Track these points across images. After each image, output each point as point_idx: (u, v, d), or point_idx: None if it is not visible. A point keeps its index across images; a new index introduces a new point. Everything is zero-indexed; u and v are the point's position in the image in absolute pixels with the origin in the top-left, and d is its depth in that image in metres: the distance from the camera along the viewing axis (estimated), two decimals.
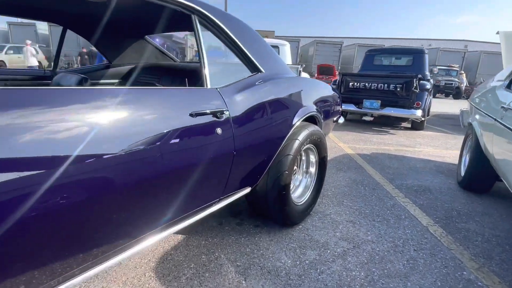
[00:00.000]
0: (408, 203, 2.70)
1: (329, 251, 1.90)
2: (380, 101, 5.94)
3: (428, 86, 5.94)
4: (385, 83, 5.87)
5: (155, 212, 1.22)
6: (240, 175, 1.65)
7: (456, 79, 17.65)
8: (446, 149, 4.91)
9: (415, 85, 5.59)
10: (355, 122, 7.05)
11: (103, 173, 0.95)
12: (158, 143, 1.10)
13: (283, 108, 1.85)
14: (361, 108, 6.08)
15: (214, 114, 1.36)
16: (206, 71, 1.43)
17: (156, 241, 1.31)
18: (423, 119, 5.95)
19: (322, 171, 2.34)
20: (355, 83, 6.17)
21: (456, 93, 17.90)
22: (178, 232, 2.01)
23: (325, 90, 2.48)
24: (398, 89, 5.76)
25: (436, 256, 1.91)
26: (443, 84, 17.37)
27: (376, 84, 5.96)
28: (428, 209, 2.59)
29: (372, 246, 1.98)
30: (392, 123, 7.16)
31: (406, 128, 6.58)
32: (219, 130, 1.37)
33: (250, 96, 1.61)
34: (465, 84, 18.57)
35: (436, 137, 5.87)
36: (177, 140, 1.18)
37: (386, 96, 5.91)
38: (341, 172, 3.45)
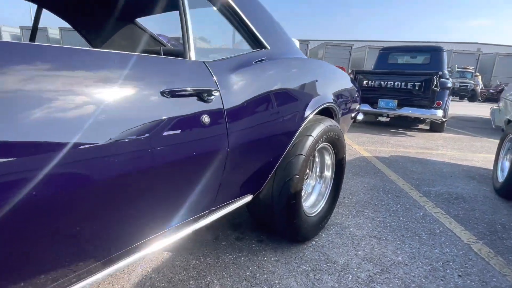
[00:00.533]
0: (440, 214, 2.28)
1: (351, 276, 1.50)
2: (397, 101, 5.51)
3: (449, 84, 5.49)
4: (402, 81, 5.44)
5: (118, 230, 0.86)
6: (238, 179, 1.28)
7: (472, 81, 17.00)
8: (472, 152, 4.44)
9: (435, 83, 5.15)
10: (370, 123, 6.62)
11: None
12: (108, 137, 0.74)
13: (292, 96, 1.47)
14: (376, 108, 5.66)
15: (199, 94, 0.99)
16: (190, 39, 1.06)
17: (127, 263, 0.95)
18: (443, 120, 5.49)
19: (339, 175, 1.95)
20: (370, 82, 5.75)
21: (471, 96, 17.24)
22: (163, 249, 1.64)
23: (344, 79, 2.09)
24: (417, 88, 5.33)
25: (488, 284, 1.50)
26: (458, 86, 16.73)
27: (392, 82, 5.54)
28: (466, 222, 2.17)
29: (405, 269, 1.58)
30: (409, 124, 6.70)
31: (424, 130, 6.12)
32: (206, 118, 1.00)
33: (250, 76, 1.24)
34: (480, 87, 17.90)
35: (459, 139, 5.40)
36: (139, 131, 0.81)
37: (404, 95, 5.48)
38: (358, 176, 3.04)
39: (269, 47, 1.43)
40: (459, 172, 3.41)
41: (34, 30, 2.06)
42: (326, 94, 1.72)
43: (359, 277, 1.49)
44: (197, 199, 1.12)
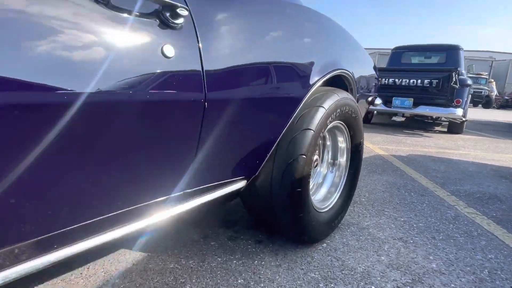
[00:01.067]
0: (476, 214, 1.91)
1: (373, 287, 1.15)
2: (412, 99, 5.14)
3: (469, 81, 5.11)
4: (418, 79, 5.08)
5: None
6: (222, 153, 0.96)
7: (486, 87, 16.45)
8: (498, 153, 4.04)
9: (454, 79, 4.79)
10: (383, 124, 6.24)
11: None
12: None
13: (295, 52, 1.16)
14: (390, 107, 5.30)
15: (157, 13, 0.69)
16: None
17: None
18: (463, 119, 5.10)
19: (356, 163, 1.61)
20: (383, 79, 5.40)
21: (486, 102, 16.66)
22: (134, 248, 1.32)
23: (361, 49, 1.77)
24: (434, 85, 4.96)
25: None
26: (472, 92, 16.18)
27: (407, 80, 5.18)
28: (507, 224, 1.80)
29: (443, 280, 1.22)
30: (425, 126, 6.31)
31: (441, 132, 5.72)
32: (167, 49, 0.69)
33: (239, 5, 0.93)
34: (495, 93, 17.32)
35: (480, 140, 4.99)
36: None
37: (420, 93, 5.11)
38: (375, 174, 2.69)
39: None
40: (488, 171, 3.02)
41: None
42: (339, 59, 1.40)
43: None
44: (161, 175, 0.80)
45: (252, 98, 0.97)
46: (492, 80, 18.12)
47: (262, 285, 1.13)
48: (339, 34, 1.52)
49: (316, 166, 1.48)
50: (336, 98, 1.30)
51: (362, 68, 1.74)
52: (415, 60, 6.82)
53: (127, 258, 1.26)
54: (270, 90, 1.03)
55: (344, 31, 1.59)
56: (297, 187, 1.17)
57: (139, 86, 0.66)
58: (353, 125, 1.51)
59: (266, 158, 1.17)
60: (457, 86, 4.81)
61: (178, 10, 0.69)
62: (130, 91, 0.64)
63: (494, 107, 17.16)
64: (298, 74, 1.16)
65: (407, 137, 4.89)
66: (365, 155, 3.43)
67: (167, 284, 1.11)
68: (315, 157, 1.44)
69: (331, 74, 1.32)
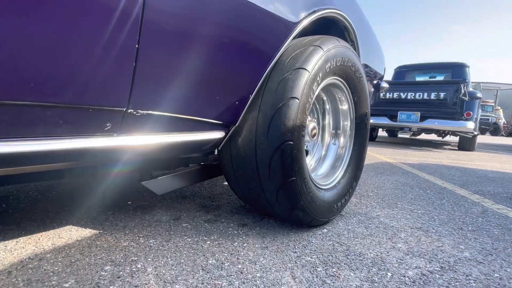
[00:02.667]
0: (507, 210, 1.61)
1: (389, 274, 0.86)
2: (419, 113, 4.92)
3: (479, 94, 4.90)
4: (425, 92, 4.89)
5: None
6: (180, 72, 0.72)
7: (493, 115, 16.21)
8: None
9: (463, 91, 4.58)
10: (388, 142, 5.96)
11: None
12: None
13: None
14: (396, 122, 5.06)
15: None
16: None
17: None
18: (475, 133, 4.82)
19: (362, 137, 1.35)
20: (388, 93, 5.22)
21: (494, 130, 16.34)
22: (81, 223, 1.05)
23: (365, 19, 1.57)
24: (442, 97, 4.75)
25: None
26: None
27: (413, 93, 4.99)
28: None
29: (482, 269, 0.92)
30: (433, 145, 6.02)
31: (451, 149, 5.42)
32: None
33: None
34: (503, 121, 17.05)
35: (495, 156, 4.68)
36: None
37: (427, 106, 4.90)
38: (383, 175, 2.40)
39: None
40: (509, 178, 2.71)
41: None
42: (336, 0, 1.20)
43: (404, 276, 0.85)
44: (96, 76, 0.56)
45: (218, 16, 0.74)
46: (499, 108, 17.91)
47: (239, 266, 0.84)
48: None
49: (314, 136, 1.23)
50: (336, 43, 1.08)
51: (366, 36, 1.54)
52: (420, 79, 6.69)
53: (71, 234, 0.99)
54: (243, 10, 0.81)
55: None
56: (287, 138, 0.91)
57: None
58: (357, 89, 1.27)
59: (248, 103, 0.93)
60: (466, 98, 4.60)
61: None
62: None
63: (503, 135, 16.82)
64: (281, 0, 0.95)
65: (415, 151, 4.61)
66: (371, 161, 3.16)
67: (112, 261, 0.83)
68: (313, 124, 1.20)
69: (324, 12, 1.10)
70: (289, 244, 1.01)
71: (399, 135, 5.31)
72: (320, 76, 1.01)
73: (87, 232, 1.01)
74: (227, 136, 0.96)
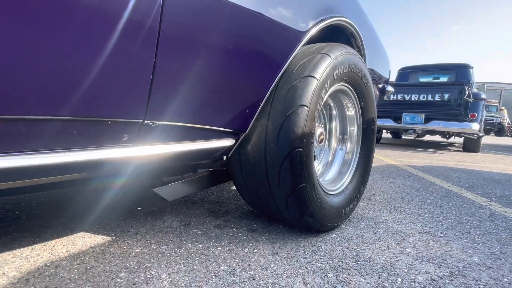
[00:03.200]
0: None
1: (399, 279, 0.87)
2: (423, 115, 4.91)
3: (483, 95, 4.89)
4: (429, 93, 4.89)
5: None
6: (192, 89, 0.74)
7: (497, 115, 16.11)
8: None
9: (467, 93, 4.57)
10: (393, 144, 5.95)
11: None
12: None
13: None
14: (400, 124, 5.06)
15: None
16: None
17: None
18: (480, 134, 4.81)
19: (369, 141, 1.37)
20: (392, 95, 5.22)
21: (498, 130, 16.24)
22: (94, 229, 1.06)
23: (369, 23, 1.58)
24: (446, 99, 4.74)
25: None
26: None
27: (417, 95, 4.99)
28: None
29: (490, 273, 0.93)
30: (437, 146, 6.01)
31: (456, 151, 5.41)
32: None
33: None
34: (507, 121, 16.93)
35: (500, 158, 4.66)
36: None
37: (431, 108, 4.89)
38: (389, 178, 2.41)
39: None
40: None
41: None
42: (342, 8, 1.21)
43: (414, 281, 0.86)
44: (110, 90, 0.58)
45: (230, 27, 0.76)
46: (503, 108, 17.81)
47: (251, 272, 0.86)
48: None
49: (322, 141, 1.24)
50: (343, 50, 1.10)
51: (368, 30, 1.55)
52: (423, 80, 6.68)
53: (85, 241, 1.00)
54: (254, 21, 0.83)
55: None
56: (297, 146, 0.93)
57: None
58: (364, 94, 1.28)
59: (258, 111, 0.94)
60: (471, 100, 4.59)
61: None
62: None
63: (507, 135, 16.71)
64: (293, 11, 0.96)
65: (420, 153, 4.60)
66: (376, 164, 3.16)
67: (127, 268, 0.84)
68: (320, 130, 1.21)
69: (332, 20, 1.12)
70: (298, 249, 1.02)
71: (404, 137, 5.29)
72: (328, 83, 1.03)
73: (100, 239, 1.02)
74: (236, 143, 0.98)
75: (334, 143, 1.35)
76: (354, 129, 1.33)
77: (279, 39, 0.93)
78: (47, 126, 0.54)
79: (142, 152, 0.69)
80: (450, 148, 5.95)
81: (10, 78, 0.47)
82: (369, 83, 1.29)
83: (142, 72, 0.61)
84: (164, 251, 0.96)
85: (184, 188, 1.08)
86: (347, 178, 1.28)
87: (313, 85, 0.96)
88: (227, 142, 0.93)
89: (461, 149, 5.50)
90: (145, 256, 0.92)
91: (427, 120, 4.88)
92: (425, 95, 4.91)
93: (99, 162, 0.63)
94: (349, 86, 1.21)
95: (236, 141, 0.96)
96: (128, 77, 0.60)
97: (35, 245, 0.96)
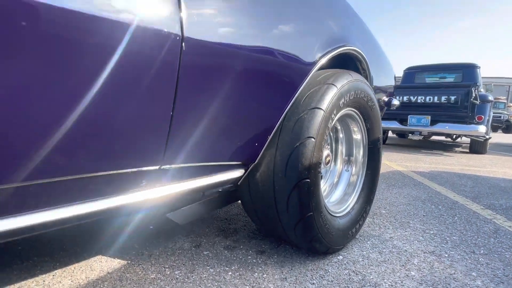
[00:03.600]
0: None
1: None
2: (429, 117, 4.90)
3: (490, 97, 4.86)
4: (435, 95, 4.87)
5: None
6: (207, 127, 0.77)
7: (505, 112, 15.93)
8: None
9: (474, 95, 4.55)
10: (398, 145, 5.95)
11: None
12: None
13: (298, 17, 1.00)
14: (406, 126, 5.05)
15: None
16: None
17: None
18: (487, 137, 4.79)
19: (375, 163, 1.39)
20: (397, 97, 5.21)
21: (506, 127, 16.06)
22: (111, 253, 1.11)
23: (373, 38, 1.61)
24: (453, 101, 4.73)
25: None
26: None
27: (423, 97, 4.97)
28: None
29: None
30: (444, 147, 5.98)
31: (462, 152, 5.38)
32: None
33: None
34: None
35: (507, 160, 4.64)
36: None
37: (437, 110, 4.88)
38: (394, 188, 2.43)
39: None
40: None
41: None
42: (350, 36, 1.24)
43: None
44: (130, 140, 0.62)
45: (246, 61, 0.80)
46: (511, 105, 17.59)
47: None
48: (352, 11, 1.37)
49: (328, 163, 1.27)
50: (349, 78, 1.12)
51: (375, 52, 1.57)
52: (430, 80, 6.63)
53: (102, 265, 1.05)
54: (265, 57, 0.86)
55: (356, 16, 1.44)
56: (305, 176, 0.96)
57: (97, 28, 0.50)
58: (369, 116, 1.31)
59: (267, 142, 0.98)
60: (477, 102, 4.57)
61: None
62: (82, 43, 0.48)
63: None
64: (302, 44, 0.99)
65: (426, 156, 4.59)
66: (382, 171, 3.18)
67: None
68: (327, 152, 1.24)
69: (341, 49, 1.15)
70: (306, 274, 1.05)
71: (410, 137, 5.28)
72: (335, 112, 1.06)
73: (116, 263, 1.07)
74: (246, 173, 1.01)
75: (340, 164, 1.38)
76: (360, 150, 1.36)
77: (289, 72, 0.96)
78: (68, 184, 0.58)
79: (157, 193, 0.73)
80: (456, 149, 5.92)
81: (42, 138, 0.51)
82: (375, 105, 1.31)
83: (161, 124, 0.65)
84: (177, 276, 1.00)
85: (194, 211, 1.12)
86: (353, 199, 1.31)
87: (320, 116, 0.99)
88: (237, 173, 0.96)
89: (468, 150, 5.48)
90: (160, 283, 0.96)
91: (433, 122, 4.87)
92: (431, 97, 4.90)
93: (116, 208, 0.67)
94: (355, 110, 1.24)
95: (246, 170, 1.00)
96: (148, 129, 0.64)
97: (56, 271, 1.01)
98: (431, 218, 1.72)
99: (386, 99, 1.89)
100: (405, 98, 5.12)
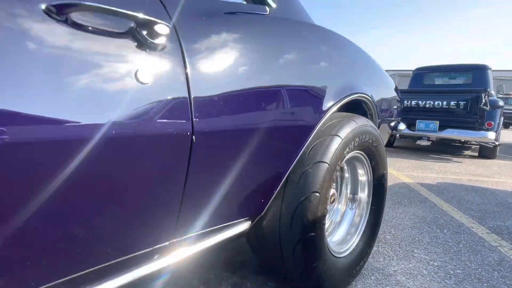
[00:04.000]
0: None
1: None
2: (438, 122, 4.85)
3: (501, 103, 4.79)
4: (443, 100, 4.82)
5: None
6: (219, 195, 0.81)
7: None
8: None
9: (484, 101, 4.49)
10: (407, 148, 5.92)
11: None
12: None
13: (304, 74, 1.02)
14: (414, 131, 5.02)
15: (131, 31, 0.57)
16: None
17: None
18: (496, 143, 4.73)
19: (380, 200, 1.41)
20: (405, 101, 5.17)
21: None
22: None
23: (380, 70, 1.62)
24: (462, 107, 4.67)
25: None
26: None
27: (431, 102, 4.93)
28: None
29: None
30: (453, 150, 5.93)
31: (472, 157, 5.33)
32: (143, 74, 0.57)
33: (238, 27, 0.82)
34: None
35: None
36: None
37: (446, 115, 4.83)
38: (400, 206, 2.44)
39: (273, 5, 1.00)
40: None
41: None
42: (356, 82, 1.25)
43: None
44: (145, 221, 0.66)
45: (253, 129, 0.82)
46: None
47: None
48: (357, 55, 1.38)
49: (333, 202, 1.30)
50: (354, 125, 1.14)
51: (383, 91, 1.58)
52: (439, 81, 6.55)
53: None
54: (274, 118, 0.89)
55: (363, 52, 1.45)
56: (310, 231, 0.99)
57: (110, 119, 0.53)
58: (374, 155, 1.33)
59: (273, 195, 1.01)
60: (487, 108, 4.51)
61: (156, 28, 0.58)
62: (100, 127, 0.52)
63: None
64: (314, 102, 1.02)
65: (434, 162, 4.57)
66: (389, 183, 3.18)
67: None
68: (332, 191, 1.27)
69: (348, 98, 1.16)
70: None
71: (418, 142, 5.24)
72: (339, 163, 1.08)
73: None
74: (252, 224, 1.04)
75: (344, 202, 1.41)
76: (365, 188, 1.38)
77: (296, 130, 0.98)
78: (91, 273, 0.62)
79: (168, 262, 0.77)
80: (465, 152, 5.86)
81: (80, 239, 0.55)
82: (380, 144, 1.33)
83: (172, 205, 0.69)
84: None
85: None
86: (357, 237, 1.34)
87: (324, 170, 1.01)
88: (244, 226, 0.99)
89: (477, 154, 5.42)
90: None
91: (441, 127, 4.83)
92: (440, 102, 4.85)
93: (129, 282, 0.71)
94: (360, 151, 1.26)
95: (252, 222, 1.03)
96: (160, 212, 0.68)
97: None
98: (435, 246, 1.73)
99: (392, 124, 1.90)
100: (413, 102, 5.08)
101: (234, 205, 0.89)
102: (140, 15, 0.56)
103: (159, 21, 0.58)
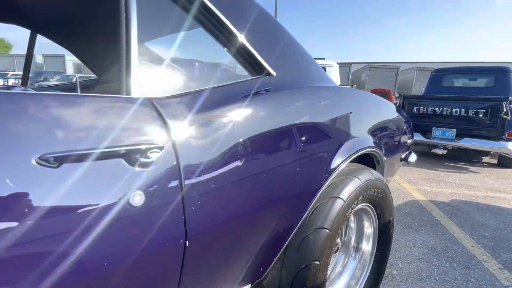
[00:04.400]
0: None
1: None
2: (455, 130, 4.70)
3: None
4: (462, 107, 4.65)
5: None
6: (220, 265, 0.82)
7: None
8: None
9: (505, 110, 4.31)
10: (422, 154, 5.78)
11: None
12: None
13: (311, 138, 1.00)
14: (429, 139, 4.88)
15: (127, 155, 0.58)
16: (133, 60, 0.67)
17: None
18: None
19: (384, 248, 1.39)
20: (421, 108, 5.03)
21: None
22: None
23: (387, 110, 1.57)
24: (481, 115, 4.50)
25: None
26: None
27: (449, 109, 4.77)
28: None
29: None
30: (470, 157, 5.74)
31: (490, 165, 5.16)
32: (135, 196, 0.58)
33: (238, 119, 0.81)
34: None
35: None
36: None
37: (464, 123, 4.67)
38: (410, 231, 2.40)
39: (274, 73, 0.98)
40: None
41: (28, 61, 1.89)
42: (363, 135, 1.23)
43: None
44: None
45: (263, 206, 0.83)
46: None
47: None
48: (365, 102, 1.35)
49: (336, 251, 1.29)
50: (357, 184, 1.12)
51: (389, 126, 1.54)
52: (458, 83, 6.31)
53: None
54: (283, 190, 0.89)
55: (366, 95, 1.41)
56: None
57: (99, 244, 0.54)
58: (380, 205, 1.30)
59: (274, 261, 1.01)
60: (508, 118, 4.33)
61: (149, 154, 0.58)
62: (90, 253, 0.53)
63: None
64: (321, 163, 1.02)
65: (450, 172, 4.45)
66: (400, 200, 3.13)
67: None
68: (336, 240, 1.26)
69: (356, 155, 1.14)
70: None
71: (433, 151, 5.10)
72: (341, 226, 1.07)
73: None
74: (252, 286, 1.05)
75: (348, 250, 1.39)
76: (370, 237, 1.36)
77: (301, 194, 0.98)
78: None
79: None
80: (484, 159, 5.67)
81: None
82: (386, 195, 1.30)
83: (171, 280, 0.71)
84: None
85: None
86: (361, 285, 1.33)
87: (325, 236, 1.00)
88: None
89: (496, 162, 5.23)
90: None
91: (458, 135, 4.68)
92: (458, 109, 4.69)
93: None
94: (367, 204, 1.24)
95: (252, 285, 1.04)
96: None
97: None
98: (443, 284, 1.70)
99: (403, 156, 1.85)
100: (429, 109, 4.93)
101: (234, 274, 0.90)
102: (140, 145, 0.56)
103: (155, 145, 0.59)
